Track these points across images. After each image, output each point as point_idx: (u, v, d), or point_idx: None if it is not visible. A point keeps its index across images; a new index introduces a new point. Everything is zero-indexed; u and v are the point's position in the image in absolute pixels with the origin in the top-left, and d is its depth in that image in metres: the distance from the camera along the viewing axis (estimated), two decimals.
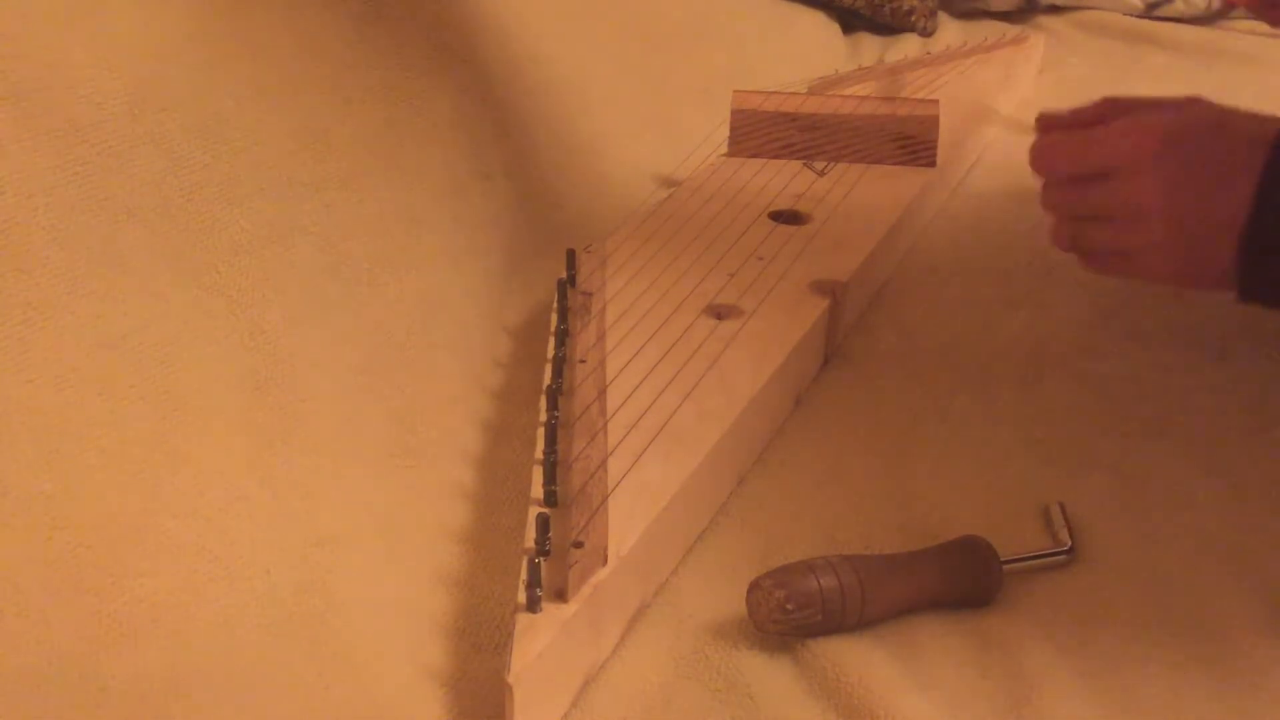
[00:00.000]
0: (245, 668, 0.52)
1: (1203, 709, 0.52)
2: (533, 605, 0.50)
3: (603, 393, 0.65)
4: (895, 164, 0.98)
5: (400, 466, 0.65)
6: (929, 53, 1.38)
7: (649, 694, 0.53)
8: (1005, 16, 1.58)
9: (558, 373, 0.67)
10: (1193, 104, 0.67)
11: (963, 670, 0.54)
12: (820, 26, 1.46)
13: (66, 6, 0.62)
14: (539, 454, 0.60)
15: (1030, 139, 0.70)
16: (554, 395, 0.64)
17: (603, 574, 0.52)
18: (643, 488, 0.58)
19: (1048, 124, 0.71)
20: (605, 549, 0.53)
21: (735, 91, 1.01)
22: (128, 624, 0.52)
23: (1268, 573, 0.60)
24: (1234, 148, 0.64)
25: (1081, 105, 0.71)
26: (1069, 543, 0.61)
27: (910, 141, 0.98)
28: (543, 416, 0.63)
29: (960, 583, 0.57)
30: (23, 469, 0.52)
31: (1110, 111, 0.69)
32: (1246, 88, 1.16)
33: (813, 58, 1.34)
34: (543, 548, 0.53)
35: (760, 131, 0.99)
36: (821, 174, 0.95)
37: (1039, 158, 0.70)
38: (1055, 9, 1.59)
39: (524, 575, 0.50)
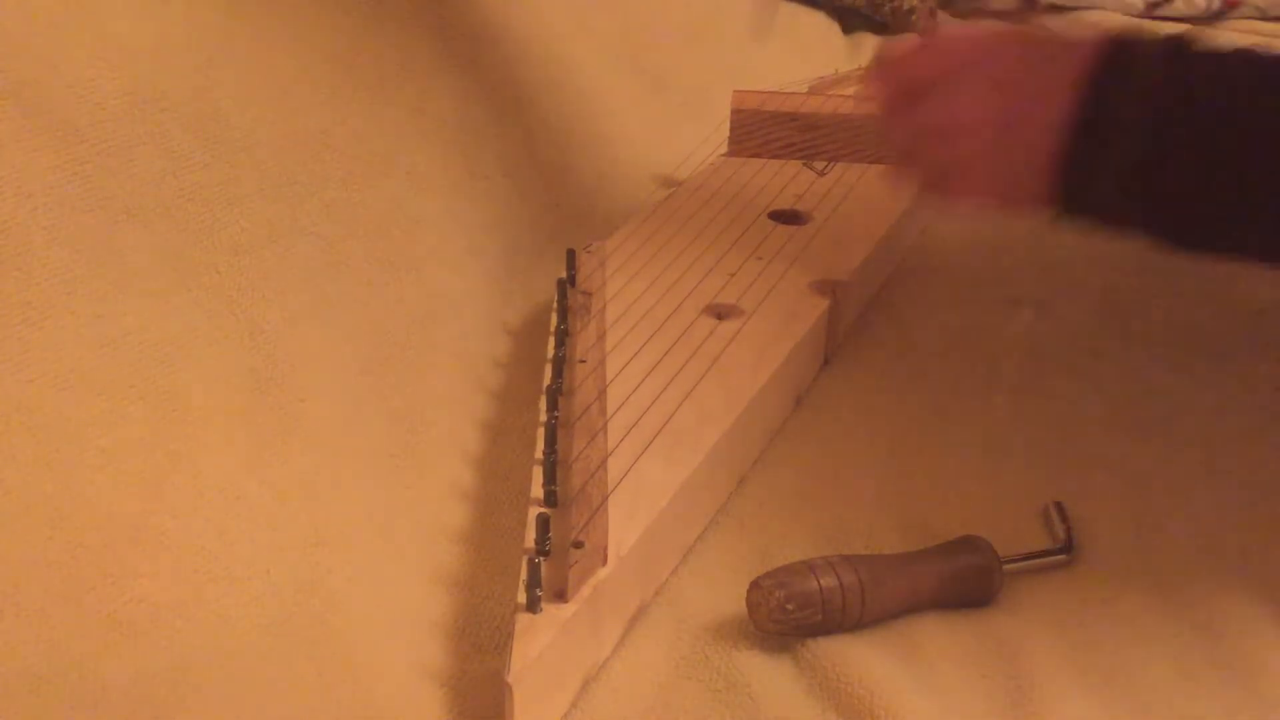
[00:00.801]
0: (245, 668, 0.52)
1: (1203, 708, 0.52)
2: (533, 605, 0.50)
3: (603, 393, 0.65)
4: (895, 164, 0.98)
5: (400, 466, 0.65)
6: None
7: (649, 694, 0.53)
8: (1005, 16, 1.58)
9: (558, 373, 0.67)
10: (1015, 27, 0.67)
11: (963, 670, 0.54)
12: (820, 26, 1.46)
13: (66, 6, 0.62)
14: (539, 454, 0.60)
15: None
16: (554, 395, 0.64)
17: (603, 574, 0.52)
18: (643, 488, 0.58)
19: (881, 53, 0.71)
20: (605, 549, 0.53)
21: (735, 91, 1.01)
22: (128, 624, 0.52)
23: (1268, 573, 0.60)
24: (1052, 57, 0.63)
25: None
26: (1069, 543, 0.61)
27: None
28: (543, 416, 0.63)
29: (960, 583, 0.57)
30: (22, 469, 0.52)
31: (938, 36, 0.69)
32: None
33: (813, 58, 1.34)
34: (543, 548, 0.53)
35: (760, 131, 0.99)
36: (821, 174, 0.95)
37: (871, 78, 0.70)
38: (1055, 9, 1.59)
39: (524, 575, 0.50)
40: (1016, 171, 0.63)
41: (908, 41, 0.70)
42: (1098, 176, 0.61)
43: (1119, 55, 0.61)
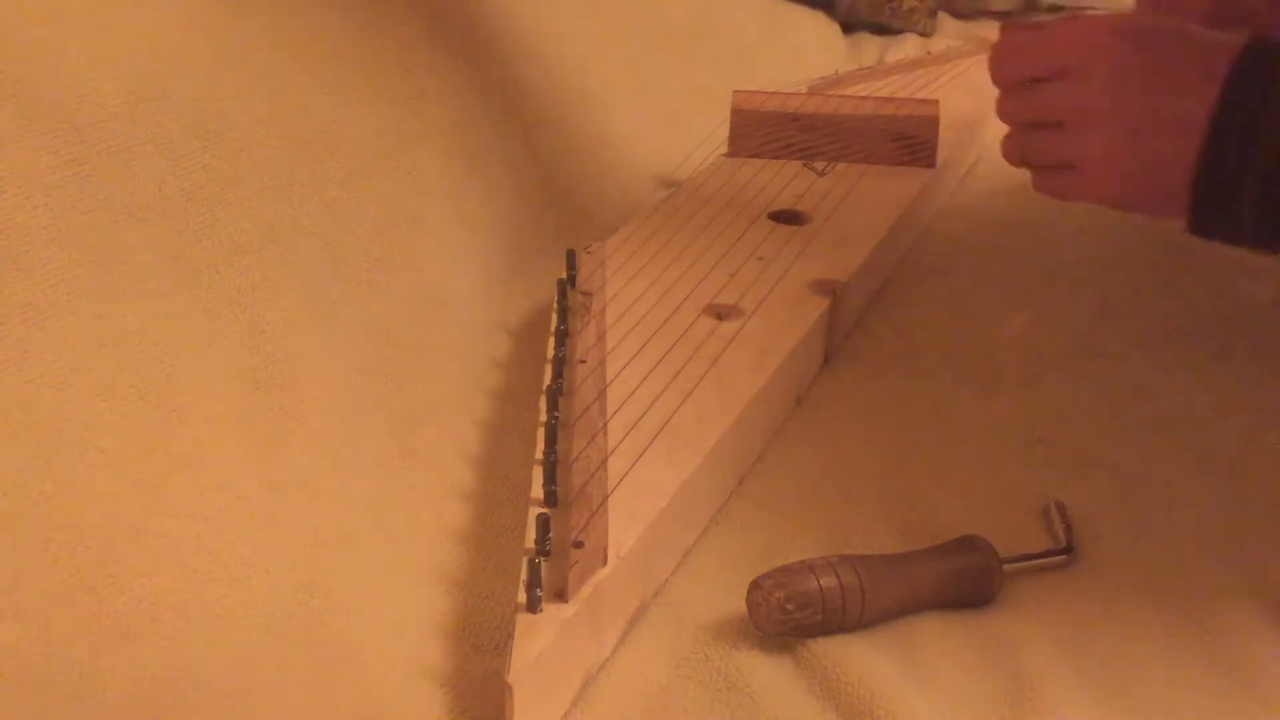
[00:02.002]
0: (245, 668, 0.52)
1: (1202, 709, 0.52)
2: (533, 605, 0.50)
3: (603, 393, 0.65)
4: (895, 164, 0.98)
5: (400, 466, 0.65)
6: (929, 53, 1.38)
7: (649, 694, 0.53)
8: (1006, 16, 1.58)
9: (558, 373, 0.68)
10: (1159, 19, 0.63)
11: (963, 670, 0.54)
12: (820, 27, 1.46)
13: (67, 6, 0.62)
14: (539, 454, 0.60)
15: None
16: (554, 395, 0.64)
17: (603, 574, 0.52)
18: (643, 488, 0.58)
19: (1009, 26, 0.67)
20: (605, 549, 0.53)
21: (735, 91, 1.01)
22: (128, 624, 0.52)
23: (1268, 573, 0.60)
24: (1192, 55, 0.59)
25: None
26: (1069, 543, 0.61)
27: (910, 141, 0.98)
28: (543, 416, 0.63)
29: (960, 582, 0.57)
30: (22, 469, 0.52)
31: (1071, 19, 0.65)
32: None
33: (813, 58, 1.34)
34: (543, 548, 0.53)
35: (760, 132, 0.99)
36: (821, 174, 0.95)
37: (996, 59, 0.66)
38: (1056, 9, 1.59)
39: (524, 575, 0.50)
40: (1147, 174, 0.60)
41: (1038, 21, 0.67)
42: (1237, 185, 0.57)
43: (1263, 58, 0.57)
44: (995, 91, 1.10)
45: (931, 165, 0.98)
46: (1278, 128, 0.56)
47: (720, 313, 0.74)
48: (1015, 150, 0.67)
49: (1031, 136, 0.65)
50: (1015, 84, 0.66)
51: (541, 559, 0.52)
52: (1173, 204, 0.60)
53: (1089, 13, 0.64)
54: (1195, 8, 0.72)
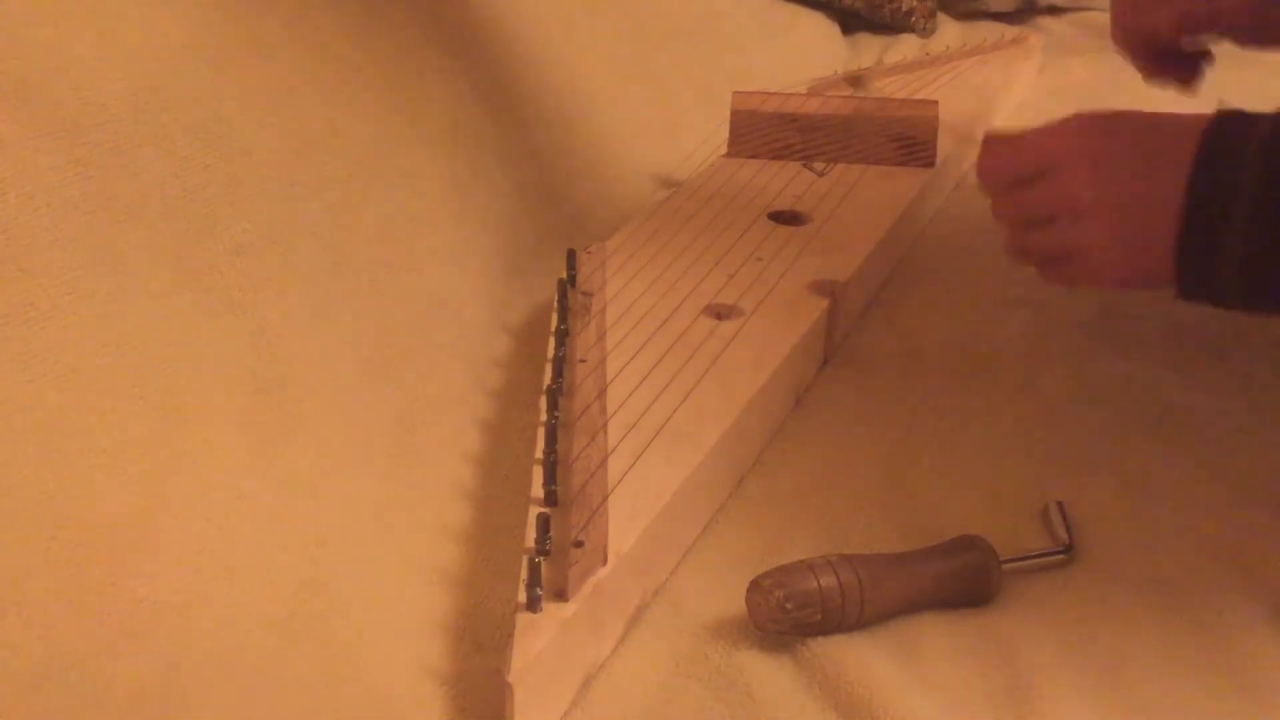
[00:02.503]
0: (246, 667, 0.52)
1: (1202, 709, 0.52)
2: (533, 604, 0.50)
3: (603, 392, 0.65)
4: (894, 164, 0.98)
5: (400, 466, 0.65)
6: (928, 54, 1.38)
7: (649, 693, 0.53)
8: (1004, 17, 1.59)
9: (558, 373, 0.68)
10: (1122, 110, 0.67)
11: (963, 670, 0.54)
12: (820, 27, 1.46)
13: (69, 7, 0.62)
14: (539, 453, 0.60)
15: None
16: (554, 395, 0.64)
17: (603, 573, 0.52)
18: (643, 487, 0.58)
19: (990, 138, 0.72)
20: (605, 548, 0.53)
21: (735, 92, 1.02)
22: (129, 624, 0.52)
23: (1268, 573, 0.60)
24: (1163, 139, 0.64)
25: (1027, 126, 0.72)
26: (1068, 542, 0.61)
27: (909, 142, 0.98)
28: (543, 416, 0.63)
29: (960, 582, 0.57)
30: (24, 469, 0.52)
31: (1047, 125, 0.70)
32: (1246, 88, 1.16)
33: (812, 58, 1.34)
34: (543, 547, 0.54)
35: (760, 132, 0.99)
36: (821, 174, 0.95)
37: (981, 169, 0.71)
38: (1055, 10, 1.59)
39: (524, 574, 0.51)
40: (1137, 254, 0.64)
41: (1013, 130, 0.71)
42: (1217, 257, 0.61)
43: (1229, 133, 0.62)
44: (995, 92, 1.11)
45: (930, 165, 0.98)
46: (1250, 197, 0.60)
47: (720, 313, 0.74)
48: (1015, 248, 0.71)
49: (1027, 234, 0.69)
50: (1004, 188, 0.70)
51: (542, 558, 0.52)
52: (1165, 277, 0.64)
53: (1058, 118, 0.68)
54: (1167, 13, 0.77)
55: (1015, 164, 0.69)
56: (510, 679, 0.47)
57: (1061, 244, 0.67)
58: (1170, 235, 0.62)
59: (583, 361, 0.68)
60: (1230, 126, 0.62)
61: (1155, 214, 0.63)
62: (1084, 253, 0.66)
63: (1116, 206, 0.64)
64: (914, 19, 1.51)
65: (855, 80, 0.91)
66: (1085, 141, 0.65)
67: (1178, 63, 0.81)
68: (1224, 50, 0.83)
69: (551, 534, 0.54)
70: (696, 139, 1.00)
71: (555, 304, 0.74)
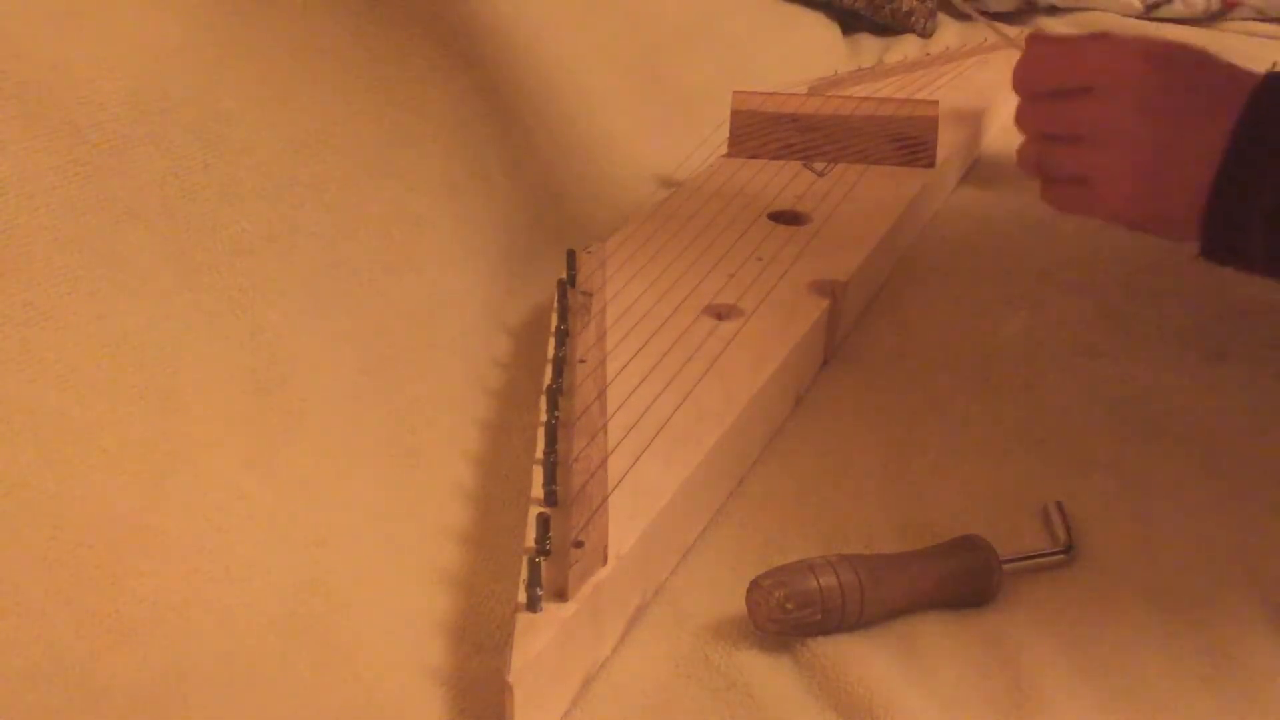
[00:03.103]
0: (245, 667, 0.52)
1: (1202, 708, 0.52)
2: (533, 605, 0.50)
3: (603, 393, 0.65)
4: (895, 164, 0.98)
5: (400, 466, 0.65)
6: (928, 54, 1.38)
7: (649, 693, 0.53)
8: (1005, 17, 1.59)
9: (558, 373, 0.68)
10: (1180, 42, 0.64)
11: (963, 670, 0.54)
12: (820, 27, 1.46)
13: (68, 7, 0.62)
14: (539, 454, 0.60)
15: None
16: (554, 395, 0.64)
17: (603, 573, 0.52)
18: (643, 487, 0.58)
19: (1036, 39, 0.68)
20: (605, 548, 0.53)
21: (735, 92, 1.02)
22: (128, 624, 0.52)
23: (1267, 573, 0.60)
24: (1215, 83, 0.61)
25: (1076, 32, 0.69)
26: (1068, 542, 0.61)
27: (909, 142, 0.98)
28: (543, 416, 0.63)
29: (960, 582, 0.57)
30: (24, 468, 0.52)
31: (1099, 36, 0.67)
32: None
33: (812, 58, 1.34)
34: (543, 547, 0.54)
35: (760, 132, 0.99)
36: (821, 175, 0.95)
37: (1022, 69, 0.67)
38: (1054, 10, 1.59)
39: (524, 575, 0.51)
40: (1163, 194, 0.62)
41: (1065, 35, 0.68)
42: (1249, 211, 0.59)
43: (1277, 91, 0.59)
44: (994, 93, 1.10)
45: (931, 165, 0.98)
46: None
47: (720, 313, 0.74)
48: (1031, 158, 0.68)
49: (1049, 147, 0.66)
50: (1038, 94, 0.67)
51: (542, 558, 0.52)
52: (1183, 226, 0.61)
53: (1107, 28, 0.65)
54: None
55: (1058, 73, 0.66)
56: (510, 679, 0.47)
57: (1083, 166, 0.64)
58: (1202, 182, 0.60)
59: (582, 362, 0.68)
60: None
61: (1191, 157, 0.60)
62: (1104, 180, 0.63)
63: (1153, 141, 0.61)
64: (914, 19, 1.51)
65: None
66: (1138, 67, 0.62)
67: None
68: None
69: (551, 534, 0.54)
70: (696, 139, 1.00)
71: (555, 304, 0.74)
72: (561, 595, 0.51)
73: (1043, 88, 0.67)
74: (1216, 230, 0.61)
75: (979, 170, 1.12)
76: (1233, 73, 0.62)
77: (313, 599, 0.56)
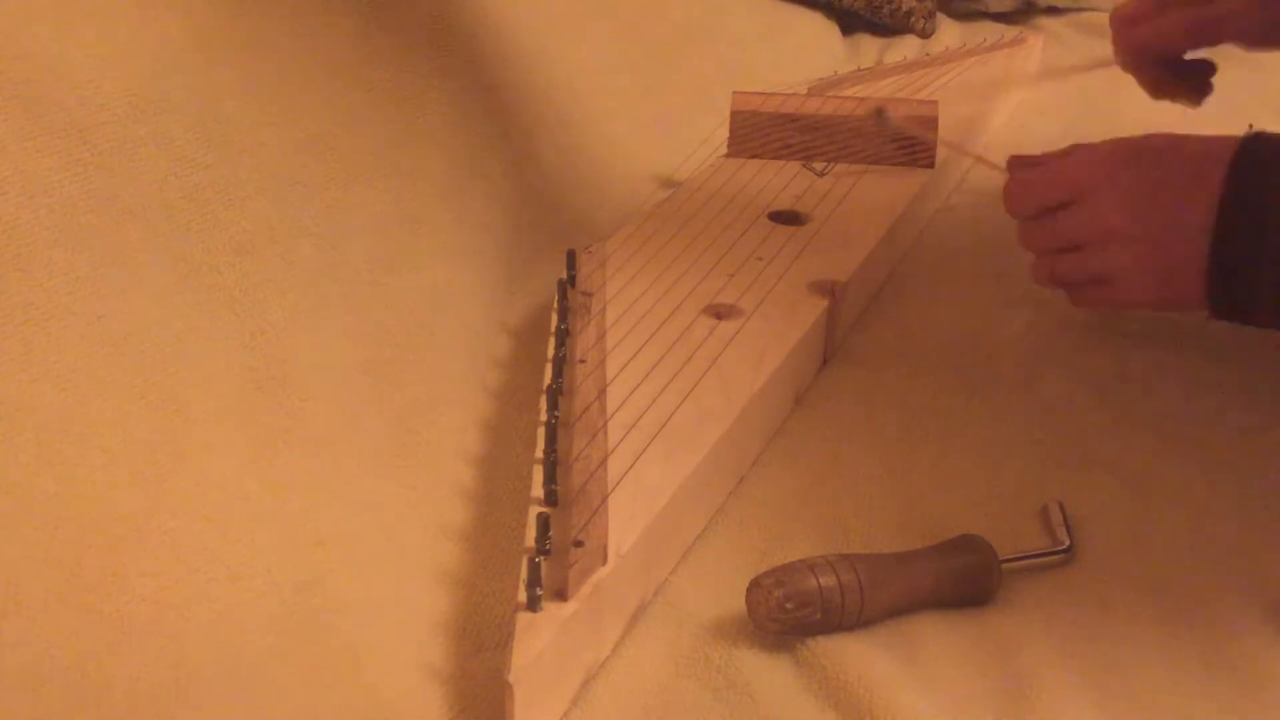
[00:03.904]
0: (246, 667, 0.52)
1: (1202, 708, 0.52)
2: (533, 604, 0.50)
3: (603, 392, 0.65)
4: (894, 164, 0.98)
5: (400, 466, 0.65)
6: (928, 54, 1.38)
7: (649, 692, 0.53)
8: (1004, 18, 1.59)
9: (558, 372, 0.68)
10: (1148, 135, 0.68)
11: (962, 669, 0.54)
12: (820, 27, 1.46)
13: (69, 7, 0.62)
14: (539, 453, 0.60)
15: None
16: (554, 395, 0.64)
17: (603, 573, 0.52)
18: (643, 487, 0.58)
19: (1016, 164, 0.72)
20: (605, 548, 0.53)
21: (735, 92, 1.02)
22: (128, 623, 0.52)
23: (1267, 573, 0.60)
24: (1191, 163, 0.64)
25: (1050, 150, 0.72)
26: (1068, 542, 0.61)
27: (909, 142, 0.98)
28: (543, 416, 0.63)
29: (960, 582, 0.58)
30: (24, 468, 0.52)
31: (1071, 149, 0.70)
32: (1246, 89, 1.16)
33: (812, 58, 1.34)
34: (543, 547, 0.54)
35: (760, 132, 0.99)
36: (821, 174, 0.95)
37: (1009, 197, 0.72)
38: (1054, 10, 1.59)
39: (524, 574, 0.51)
40: (1171, 276, 0.65)
41: (1038, 156, 0.71)
42: (1251, 279, 0.62)
43: (1260, 156, 0.62)
44: (994, 93, 1.11)
45: (930, 165, 0.98)
46: (1277, 217, 0.61)
47: (720, 313, 0.74)
48: (1044, 274, 0.72)
49: (1057, 260, 0.70)
50: (1032, 215, 0.71)
51: (542, 558, 0.52)
52: (1197, 298, 0.65)
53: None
54: (1173, 23, 0.78)
55: (1043, 192, 0.69)
56: (510, 679, 0.47)
57: (1091, 269, 0.68)
58: (1201, 259, 0.63)
59: (582, 361, 0.68)
60: (1260, 149, 0.63)
61: (1186, 238, 0.63)
62: (1115, 278, 0.67)
63: (1146, 232, 0.65)
64: (914, 19, 1.51)
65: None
66: (1113, 168, 0.66)
67: (1184, 77, 0.81)
68: (1224, 51, 0.84)
69: (551, 534, 0.54)
70: (696, 139, 1.00)
71: (555, 304, 0.74)
72: (561, 595, 0.51)
73: (1033, 209, 0.71)
74: (1222, 297, 0.64)
75: (979, 170, 1.12)
76: (1206, 146, 0.64)
77: (313, 598, 0.56)
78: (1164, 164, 0.65)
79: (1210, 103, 0.84)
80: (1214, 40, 0.80)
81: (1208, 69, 0.82)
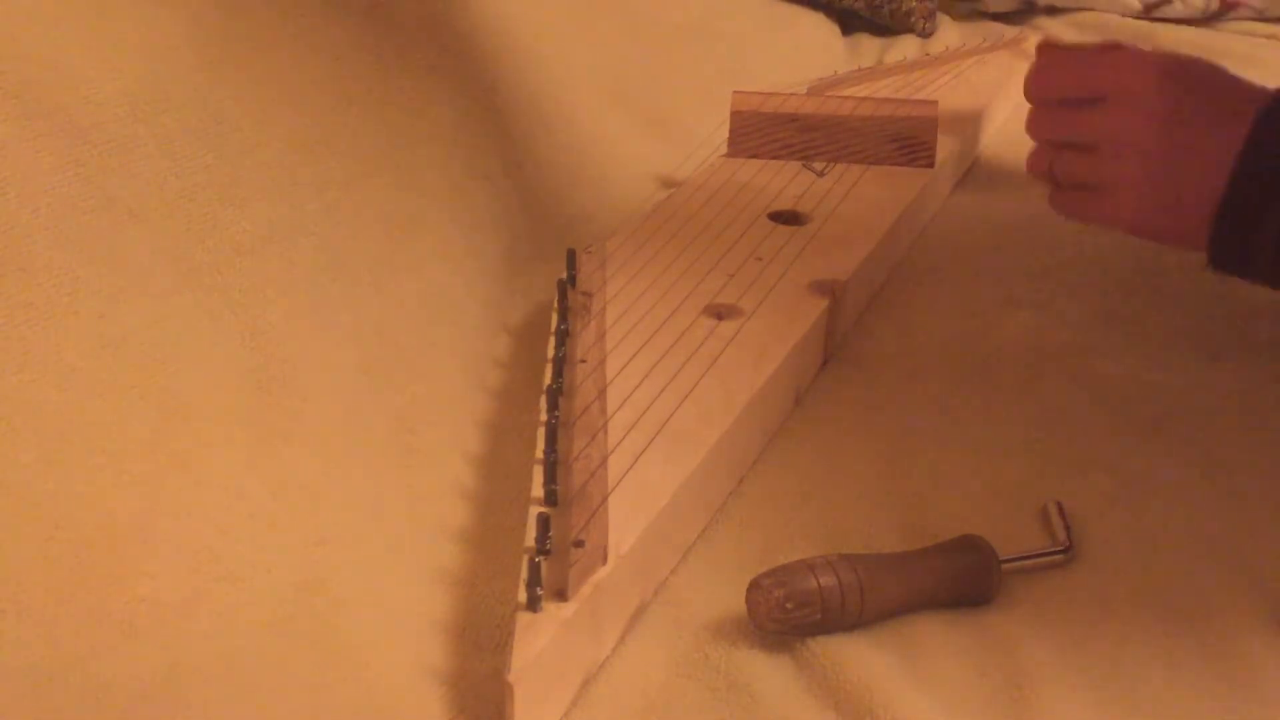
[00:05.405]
0: (246, 667, 0.52)
1: (1201, 708, 0.52)
2: (533, 604, 0.50)
3: (603, 392, 0.65)
4: (894, 164, 0.98)
5: (400, 466, 0.65)
6: (928, 54, 1.38)
7: (649, 693, 0.53)
8: (1004, 18, 1.59)
9: (558, 373, 0.68)
10: (1195, 57, 0.65)
11: (962, 669, 0.54)
12: (819, 27, 1.46)
13: (68, 7, 0.62)
14: (539, 453, 0.60)
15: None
16: (554, 395, 0.64)
17: (603, 573, 0.52)
18: (643, 487, 0.58)
19: (1048, 48, 0.69)
20: (605, 548, 0.53)
21: (735, 92, 1.02)
22: (128, 623, 0.52)
23: (1266, 573, 0.60)
24: (1227, 98, 0.62)
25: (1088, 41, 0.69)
26: (1068, 542, 0.61)
27: (909, 142, 0.98)
28: (543, 416, 0.63)
29: (959, 582, 0.58)
30: (24, 468, 0.52)
31: (1114, 47, 0.67)
32: None
33: (812, 59, 1.34)
34: (543, 547, 0.54)
35: (760, 132, 0.99)
36: (821, 174, 0.95)
37: (1036, 77, 0.68)
38: (1053, 10, 1.59)
39: (524, 574, 0.51)
40: (1173, 205, 0.63)
41: (1073, 44, 0.69)
42: (1257, 227, 0.60)
43: None
44: (994, 93, 1.10)
45: (930, 166, 0.98)
46: None
47: (720, 313, 0.74)
48: (1042, 165, 0.69)
49: (1061, 154, 0.67)
50: (1050, 101, 0.67)
51: (542, 558, 0.52)
52: (1192, 235, 0.62)
53: (1106, 26, 0.66)
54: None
55: (1073, 82, 0.66)
56: (510, 678, 0.47)
57: (1095, 174, 0.65)
58: (1213, 196, 0.60)
59: (583, 361, 0.68)
60: None
61: (1203, 170, 0.61)
62: (1116, 189, 0.64)
63: (1165, 152, 0.62)
64: (914, 19, 1.51)
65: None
66: (1153, 79, 0.63)
67: None
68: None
69: (551, 534, 0.54)
70: (696, 139, 1.00)
71: (555, 304, 0.74)
72: (561, 595, 0.51)
73: (1056, 95, 0.67)
74: (1225, 241, 0.61)
75: (979, 170, 1.12)
76: (1245, 88, 0.62)
77: (313, 599, 0.56)
78: (1203, 91, 0.63)
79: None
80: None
81: None
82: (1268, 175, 0.60)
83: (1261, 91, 0.62)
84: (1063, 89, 0.67)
